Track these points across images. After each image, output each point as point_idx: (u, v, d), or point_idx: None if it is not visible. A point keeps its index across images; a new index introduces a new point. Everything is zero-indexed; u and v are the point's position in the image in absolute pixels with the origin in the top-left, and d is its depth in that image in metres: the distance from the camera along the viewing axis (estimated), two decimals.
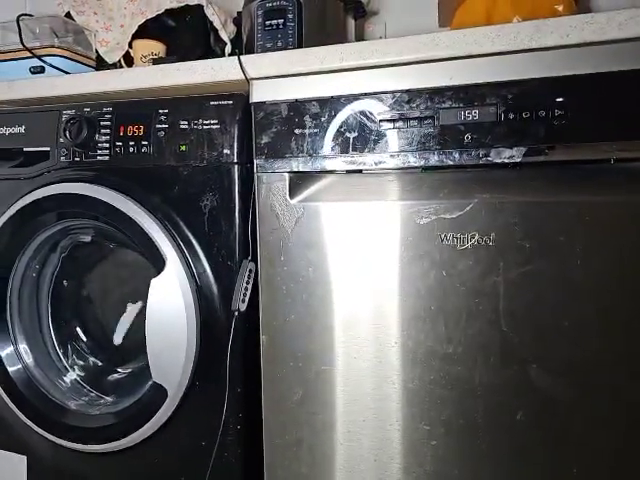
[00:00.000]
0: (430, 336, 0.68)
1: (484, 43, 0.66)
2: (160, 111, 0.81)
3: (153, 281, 0.77)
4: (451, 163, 0.66)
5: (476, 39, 0.67)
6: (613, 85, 0.60)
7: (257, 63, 0.76)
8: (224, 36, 1.12)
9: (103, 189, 0.81)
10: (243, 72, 0.77)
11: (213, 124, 0.78)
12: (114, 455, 0.85)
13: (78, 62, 1.05)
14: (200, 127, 0.78)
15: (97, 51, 1.11)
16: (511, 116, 0.64)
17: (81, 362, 0.97)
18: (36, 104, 0.94)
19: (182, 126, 0.79)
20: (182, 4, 1.08)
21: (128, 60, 1.12)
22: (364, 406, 0.72)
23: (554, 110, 0.62)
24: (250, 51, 0.96)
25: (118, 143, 0.83)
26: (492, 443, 0.67)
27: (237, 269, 0.77)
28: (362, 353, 0.71)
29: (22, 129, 0.90)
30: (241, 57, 0.77)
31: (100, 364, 0.97)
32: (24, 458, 0.93)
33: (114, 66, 1.12)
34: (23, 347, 0.92)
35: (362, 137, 0.70)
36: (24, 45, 0.99)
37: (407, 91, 0.68)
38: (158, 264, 0.78)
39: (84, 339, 0.99)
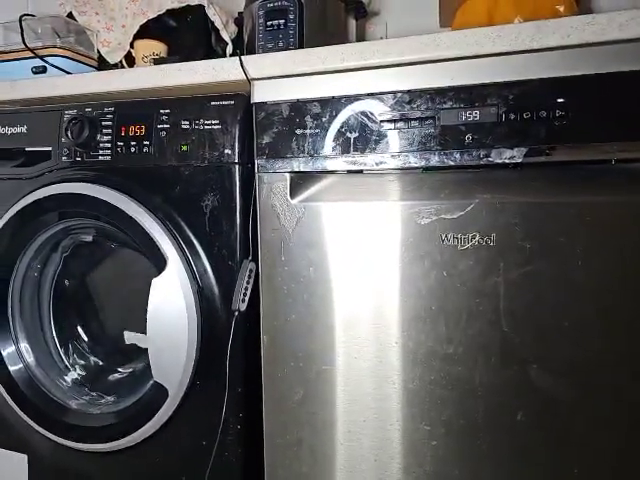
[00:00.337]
0: (431, 336, 0.68)
1: (485, 43, 0.66)
2: (161, 111, 0.81)
3: (154, 281, 0.77)
4: (452, 163, 0.66)
5: (477, 39, 0.67)
6: (614, 86, 0.60)
7: (258, 63, 0.77)
8: (225, 36, 1.12)
9: (104, 189, 0.82)
10: (244, 72, 0.77)
11: (214, 124, 0.78)
12: (115, 454, 0.85)
13: (80, 62, 1.05)
14: (201, 127, 0.78)
15: (99, 51, 1.11)
16: (512, 116, 0.64)
17: (82, 361, 0.97)
18: (38, 104, 0.95)
19: (183, 126, 0.79)
20: (183, 4, 1.09)
21: (129, 60, 1.12)
22: (365, 406, 0.72)
23: (555, 111, 0.62)
24: (251, 51, 0.96)
25: (119, 143, 0.83)
26: (492, 443, 0.67)
27: (238, 269, 0.77)
28: (363, 353, 0.71)
29: (24, 129, 0.91)
30: (242, 57, 0.77)
31: (101, 364, 0.97)
32: (25, 457, 0.93)
33: (115, 66, 1.12)
34: (24, 346, 0.92)
35: (363, 137, 0.70)
36: (26, 45, 1.00)
37: (408, 91, 0.68)
38: (159, 264, 0.78)
39: (85, 339, 0.99)
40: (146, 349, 0.79)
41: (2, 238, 0.89)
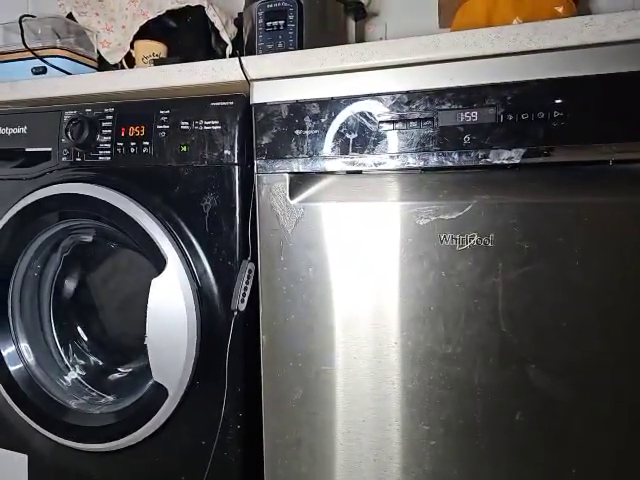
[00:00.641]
0: (430, 336, 0.68)
1: (483, 44, 0.67)
2: (161, 112, 0.81)
3: (154, 281, 0.77)
4: (450, 164, 0.67)
5: (476, 40, 0.67)
6: (612, 87, 0.60)
7: (258, 64, 0.77)
8: (225, 37, 1.12)
9: (104, 189, 0.82)
10: (244, 73, 0.77)
11: (214, 125, 0.78)
12: (115, 454, 0.85)
13: (80, 63, 1.06)
14: (201, 128, 0.79)
15: (99, 52, 1.11)
16: (510, 117, 0.64)
17: (82, 361, 0.97)
18: (38, 105, 0.95)
19: (183, 127, 0.80)
20: (183, 5, 1.09)
21: (129, 61, 1.13)
22: (364, 406, 0.72)
23: (553, 112, 0.62)
24: (251, 52, 0.96)
25: (119, 144, 0.83)
26: (491, 443, 0.67)
27: (237, 269, 0.77)
28: (362, 353, 0.72)
29: (24, 129, 0.91)
30: (242, 58, 0.78)
31: (101, 363, 0.98)
32: (25, 457, 0.93)
33: (116, 67, 1.12)
34: (24, 346, 0.92)
35: (362, 138, 0.70)
36: (26, 46, 1.00)
37: (407, 92, 0.68)
38: (159, 264, 0.78)
39: (85, 338, 0.99)
40: (145, 349, 0.79)
41: (2, 238, 0.89)
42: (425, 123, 0.67)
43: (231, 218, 0.77)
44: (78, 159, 0.86)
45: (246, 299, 0.76)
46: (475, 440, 0.67)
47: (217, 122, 0.78)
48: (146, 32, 1.10)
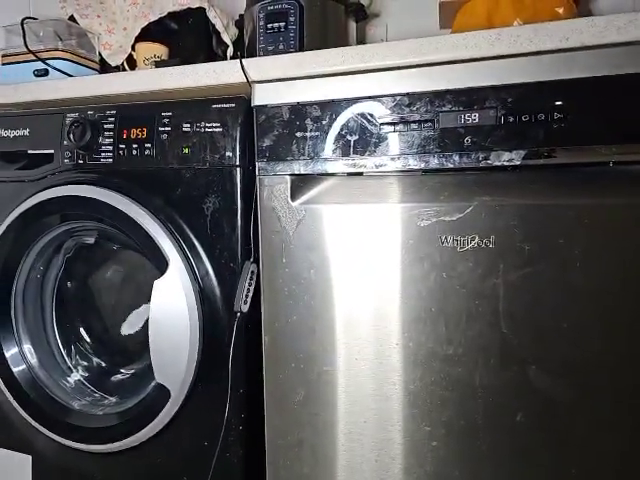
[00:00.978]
0: (431, 337, 0.69)
1: (484, 46, 0.67)
2: (163, 114, 0.82)
3: (156, 282, 0.78)
4: (451, 166, 0.67)
5: (476, 42, 0.67)
6: (612, 89, 0.61)
7: (259, 66, 0.77)
8: (226, 39, 1.13)
9: (107, 191, 0.82)
10: (245, 75, 0.77)
11: (215, 127, 0.78)
12: (117, 455, 0.86)
13: (81, 65, 1.06)
14: (202, 130, 0.79)
15: (100, 54, 1.12)
16: (511, 119, 0.64)
17: (85, 363, 0.98)
18: (40, 107, 0.95)
19: (185, 129, 0.80)
20: (184, 7, 1.09)
21: (131, 63, 1.13)
22: (365, 407, 0.72)
23: (553, 113, 0.63)
24: (252, 54, 0.96)
25: (121, 146, 0.84)
26: (492, 444, 0.67)
27: (239, 271, 0.77)
28: (363, 354, 0.72)
29: (26, 132, 0.91)
30: (243, 60, 0.78)
31: (103, 365, 0.98)
32: (29, 458, 0.94)
33: (117, 69, 1.12)
34: (27, 347, 0.93)
35: (363, 140, 0.70)
36: (28, 48, 1.00)
37: (407, 94, 0.68)
38: (161, 266, 0.78)
39: (88, 340, 0.99)
40: (148, 350, 0.79)
41: (5, 240, 0.89)
42: (426, 125, 0.68)
43: (233, 220, 0.78)
44: (80, 161, 0.87)
45: (249, 300, 0.76)
46: (476, 441, 0.68)
47: (218, 124, 0.78)
48: (147, 34, 1.10)
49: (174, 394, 0.78)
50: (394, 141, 0.69)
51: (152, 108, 0.83)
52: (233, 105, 0.78)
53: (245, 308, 0.76)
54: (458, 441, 0.69)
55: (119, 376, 0.96)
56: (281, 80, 0.76)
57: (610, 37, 0.62)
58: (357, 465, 0.73)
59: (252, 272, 0.76)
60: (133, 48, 1.11)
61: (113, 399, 0.92)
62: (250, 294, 0.76)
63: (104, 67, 1.12)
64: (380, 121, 0.69)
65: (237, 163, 0.77)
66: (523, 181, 0.65)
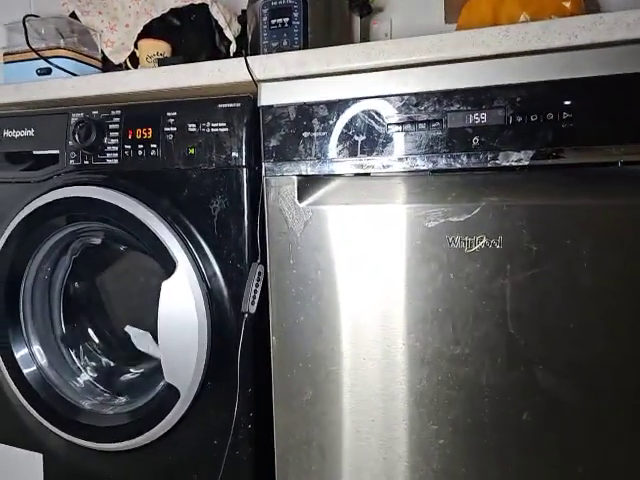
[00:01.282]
0: (438, 338, 0.69)
1: (492, 43, 0.66)
2: (168, 114, 0.81)
3: (164, 284, 0.78)
4: (459, 166, 0.67)
5: (484, 39, 0.67)
6: (621, 87, 0.60)
7: (263, 65, 0.76)
8: (229, 35, 1.12)
9: (113, 192, 0.82)
10: (250, 74, 0.77)
11: (221, 127, 0.78)
12: (128, 453, 0.87)
13: (84, 63, 1.05)
14: (208, 130, 0.79)
15: (102, 52, 1.11)
16: (519, 119, 0.64)
17: (93, 363, 0.98)
18: (44, 106, 0.95)
19: (190, 129, 0.80)
20: (187, 3, 1.08)
21: (134, 60, 1.12)
22: (373, 406, 0.73)
23: (562, 113, 0.62)
24: (255, 50, 0.96)
25: (127, 146, 0.83)
26: (499, 442, 0.68)
27: (246, 272, 0.78)
28: (371, 354, 0.72)
29: (31, 132, 0.91)
30: (248, 58, 0.77)
31: (112, 364, 0.99)
32: (40, 456, 0.95)
33: (120, 67, 1.12)
34: (37, 349, 0.93)
35: (370, 140, 0.70)
36: (30, 46, 1.00)
37: (415, 94, 0.68)
38: (168, 267, 0.78)
39: (96, 340, 1.00)
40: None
41: (12, 241, 0.89)
42: (434, 125, 0.67)
43: (240, 221, 0.78)
44: (86, 162, 0.86)
45: (256, 301, 0.76)
46: (483, 439, 0.68)
47: (224, 124, 0.78)
48: (150, 31, 1.09)
49: (183, 394, 0.79)
50: (402, 141, 0.69)
51: (157, 108, 0.82)
52: (239, 105, 0.78)
53: (253, 309, 0.76)
54: (465, 439, 0.69)
55: (128, 376, 0.97)
56: (287, 79, 0.75)
57: (619, 34, 0.62)
58: (364, 463, 0.74)
59: (259, 273, 0.77)
60: (136, 45, 1.10)
61: (123, 399, 0.93)
62: (258, 295, 0.77)
63: (106, 65, 1.12)
64: (388, 121, 0.69)
65: (243, 163, 0.77)
66: (531, 181, 0.65)
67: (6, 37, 1.07)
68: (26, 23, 1.01)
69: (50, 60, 1.00)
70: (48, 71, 1.01)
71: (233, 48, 1.13)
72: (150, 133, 0.82)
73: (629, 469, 0.63)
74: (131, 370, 0.97)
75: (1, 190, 0.93)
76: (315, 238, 0.73)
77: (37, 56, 1.00)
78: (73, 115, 0.87)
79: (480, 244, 0.66)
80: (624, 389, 0.62)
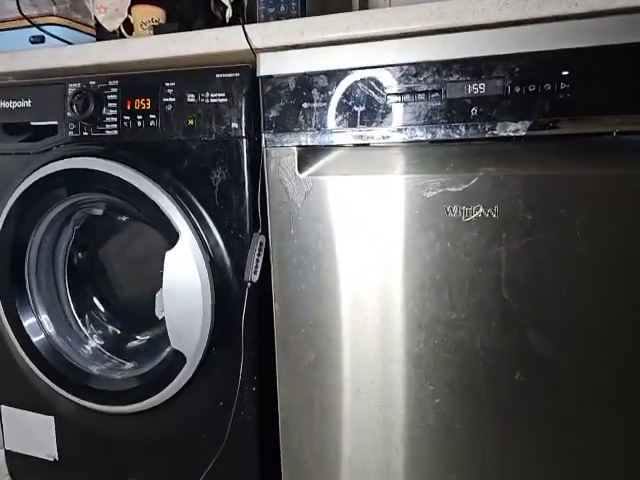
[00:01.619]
0: (435, 304, 0.72)
1: (492, 11, 0.66)
2: (166, 84, 0.81)
3: (168, 254, 0.79)
4: (457, 137, 0.67)
5: (484, 7, 0.67)
6: (619, 57, 0.61)
7: (261, 33, 0.76)
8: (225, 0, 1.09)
9: (113, 164, 0.83)
10: (249, 43, 0.76)
11: (220, 97, 0.78)
12: (137, 415, 0.90)
13: (77, 30, 1.03)
14: (207, 100, 0.78)
15: (95, 18, 1.08)
16: (517, 89, 0.64)
17: (100, 331, 1.01)
18: (39, 76, 0.94)
19: (189, 99, 0.79)
20: None
21: (128, 27, 1.10)
22: (372, 369, 0.76)
23: (560, 83, 0.63)
24: (252, 16, 0.94)
25: (126, 117, 0.83)
26: (492, 401, 0.71)
27: (248, 242, 0.79)
28: (370, 320, 0.75)
29: (28, 103, 0.90)
30: (246, 27, 0.76)
31: (119, 332, 1.02)
32: (52, 419, 0.99)
33: (114, 34, 1.09)
34: (44, 317, 0.95)
35: (370, 111, 0.70)
36: (22, 14, 0.97)
37: (414, 64, 0.68)
38: (171, 237, 0.80)
39: (101, 308, 1.02)
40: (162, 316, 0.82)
41: (15, 213, 0.90)
42: (433, 95, 0.68)
43: (241, 192, 0.79)
44: (85, 133, 0.86)
45: (259, 270, 0.78)
46: (477, 398, 0.72)
47: (223, 95, 0.78)
48: None
49: (189, 359, 0.82)
50: (401, 112, 0.69)
51: (155, 78, 0.82)
52: (237, 75, 0.77)
53: (255, 278, 0.78)
54: (460, 398, 0.73)
55: (135, 342, 1.00)
56: (286, 48, 0.75)
57: (619, 2, 0.61)
58: (364, 422, 0.78)
59: (261, 243, 0.78)
60: (129, 11, 1.08)
61: (130, 364, 0.96)
62: (259, 264, 0.79)
63: (100, 32, 1.09)
64: (387, 91, 0.69)
65: (243, 134, 0.78)
66: (528, 152, 0.66)
67: None
68: None
69: (42, 27, 0.98)
70: (42, 39, 0.98)
71: (229, 14, 1.11)
72: (149, 104, 0.82)
73: (610, 423, 0.67)
74: (137, 337, 1.00)
75: (1, 162, 0.93)
76: (315, 208, 0.75)
77: (29, 24, 0.97)
78: (70, 85, 0.86)
79: (477, 213, 0.68)
80: (614, 355, 0.65)
